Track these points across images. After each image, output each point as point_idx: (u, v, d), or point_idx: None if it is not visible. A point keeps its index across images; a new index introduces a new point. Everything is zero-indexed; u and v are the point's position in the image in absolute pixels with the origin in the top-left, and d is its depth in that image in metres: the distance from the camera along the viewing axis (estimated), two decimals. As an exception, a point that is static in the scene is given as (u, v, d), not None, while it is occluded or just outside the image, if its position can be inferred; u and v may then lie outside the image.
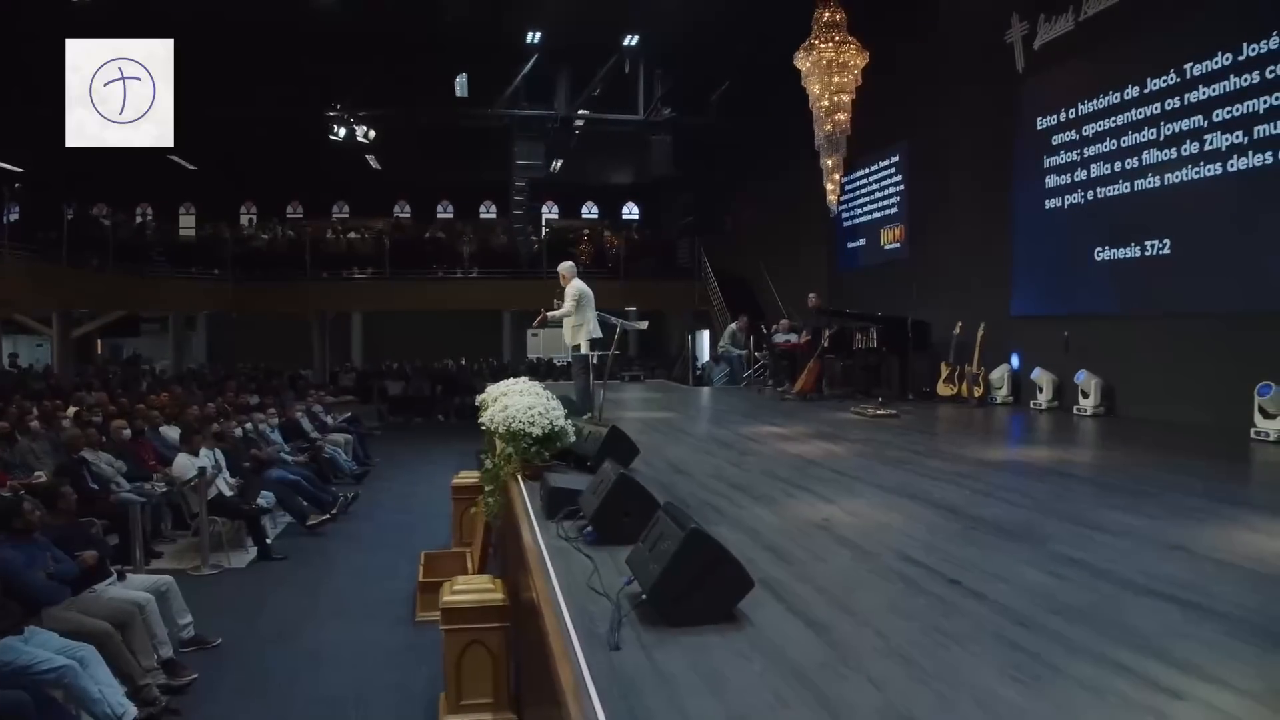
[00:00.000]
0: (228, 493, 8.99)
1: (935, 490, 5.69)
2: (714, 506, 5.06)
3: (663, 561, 3.09)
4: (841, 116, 11.93)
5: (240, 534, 9.09)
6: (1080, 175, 10.66)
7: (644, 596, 3.13)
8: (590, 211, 29.28)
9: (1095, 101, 10.39)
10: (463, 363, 24.97)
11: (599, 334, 8.81)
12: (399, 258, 22.89)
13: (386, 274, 22.71)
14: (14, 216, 17.20)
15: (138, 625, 5.81)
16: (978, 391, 11.59)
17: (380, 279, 22.78)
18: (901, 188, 14.63)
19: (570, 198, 28.47)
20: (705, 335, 24.32)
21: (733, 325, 16.32)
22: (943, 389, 12.06)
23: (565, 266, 9.32)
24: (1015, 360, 11.71)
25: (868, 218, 15.62)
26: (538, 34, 16.70)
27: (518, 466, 5.75)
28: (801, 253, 18.56)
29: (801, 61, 11.90)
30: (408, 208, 28.16)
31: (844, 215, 16.26)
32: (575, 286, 8.97)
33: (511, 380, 7.81)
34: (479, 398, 8.62)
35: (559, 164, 22.56)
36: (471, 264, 23.06)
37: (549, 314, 8.97)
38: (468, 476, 8.67)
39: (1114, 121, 10.13)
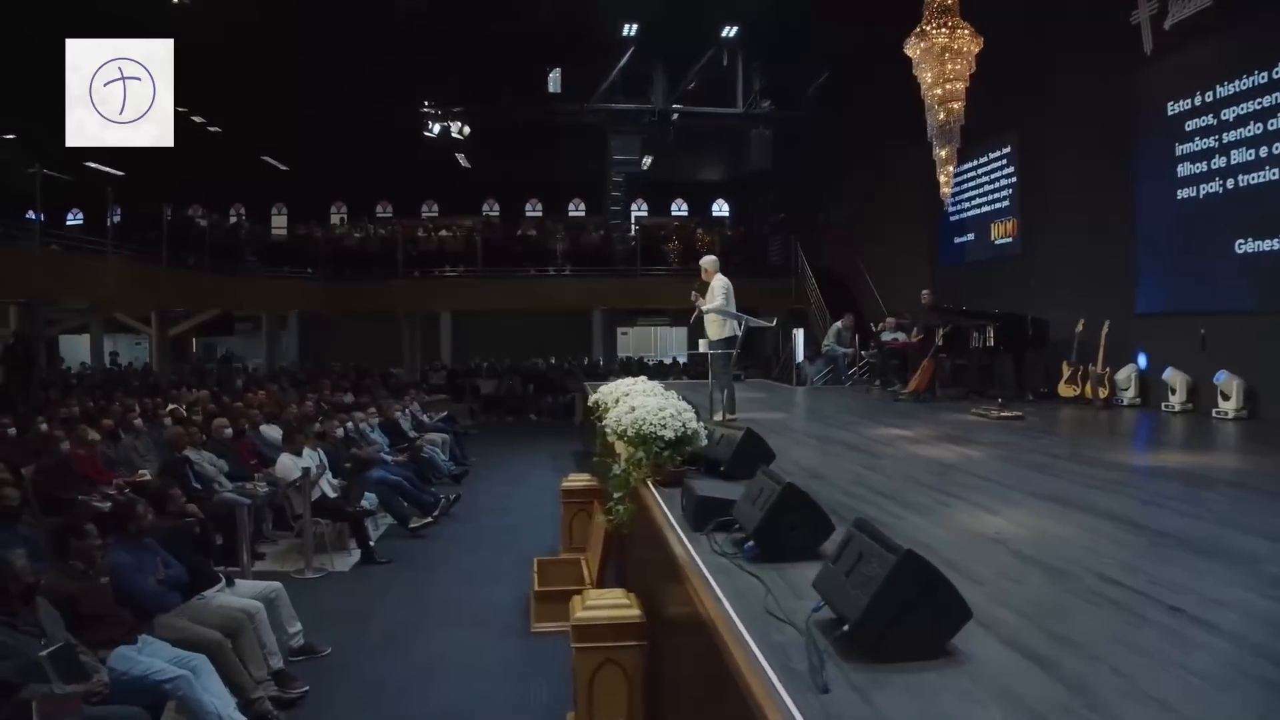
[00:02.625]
0: (331, 494, 8.82)
1: (1098, 499, 5.25)
2: (866, 516, 4.63)
3: (870, 588, 2.71)
4: (956, 105, 11.36)
5: (343, 536, 8.89)
6: (1218, 163, 9.96)
7: (846, 627, 2.76)
8: (680, 209, 28.93)
9: (1237, 83, 9.69)
10: (552, 361, 24.81)
11: (738, 332, 8.46)
12: (491, 256, 22.77)
13: (479, 272, 22.61)
14: (116, 219, 17.50)
15: (248, 634, 5.59)
16: (1103, 392, 10.95)
17: (472, 277, 22.68)
18: (1014, 180, 13.96)
19: (659, 195, 28.18)
20: (799, 334, 23.88)
21: (838, 324, 15.83)
22: (1065, 390, 11.43)
23: (710, 260, 8.95)
24: (1142, 360, 11.05)
25: (976, 211, 14.97)
26: (634, 27, 16.40)
27: (648, 471, 5.42)
28: (902, 248, 17.96)
29: (912, 49, 11.37)
30: (496, 206, 28.14)
31: (950, 209, 15.64)
32: (723, 282, 8.62)
33: (630, 380, 7.52)
34: (591, 398, 8.36)
35: (648, 161, 22.26)
36: (564, 262, 22.87)
37: (704, 307, 8.57)
38: (578, 480, 8.39)
39: (1260, 103, 9.42)
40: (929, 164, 16.24)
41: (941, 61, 11.28)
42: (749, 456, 5.72)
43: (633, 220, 27.45)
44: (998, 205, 14.38)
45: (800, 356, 23.19)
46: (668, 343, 30.37)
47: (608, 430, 6.12)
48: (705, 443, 5.73)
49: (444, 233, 23.68)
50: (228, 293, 20.72)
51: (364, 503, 9.22)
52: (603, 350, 26.48)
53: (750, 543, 3.81)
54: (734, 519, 4.17)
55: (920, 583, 2.71)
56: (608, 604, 4.78)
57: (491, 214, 27.94)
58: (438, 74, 18.11)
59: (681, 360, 26.60)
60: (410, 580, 8.06)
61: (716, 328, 8.58)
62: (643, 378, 7.62)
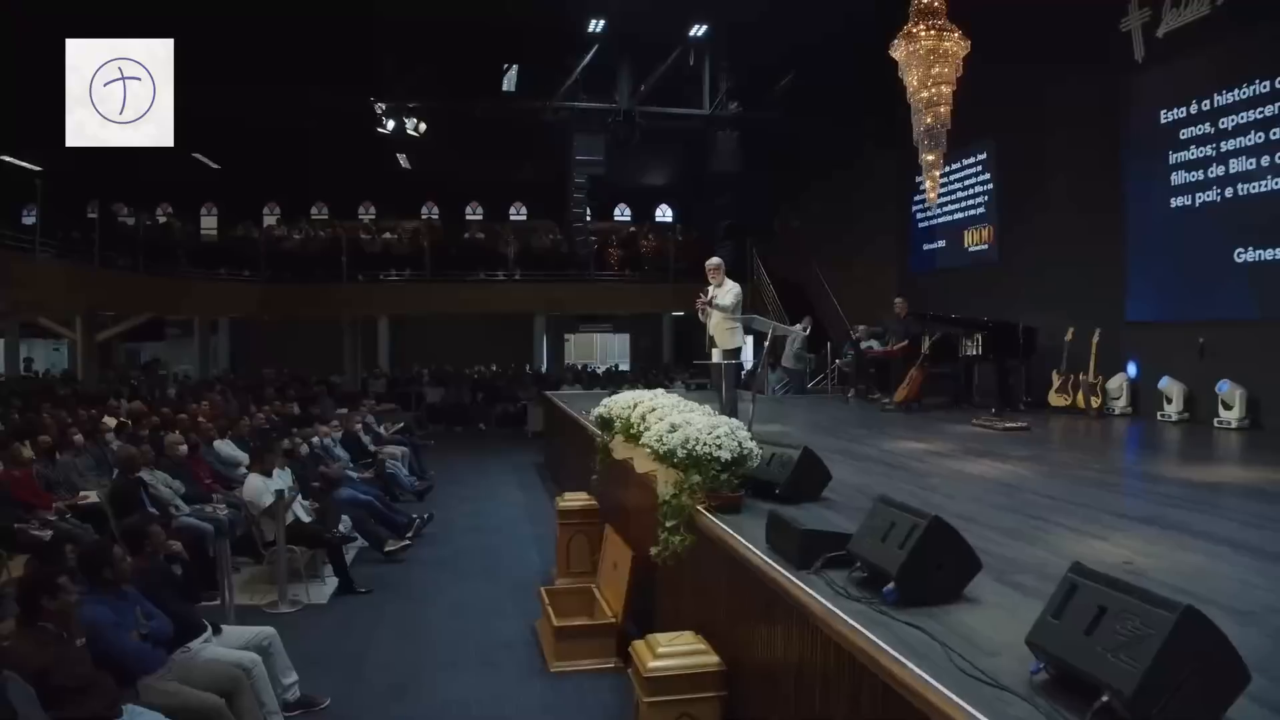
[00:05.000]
0: (306, 518, 8.03)
1: (1195, 521, 4.90)
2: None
3: (1143, 652, 2.22)
4: (943, 109, 11.08)
5: (315, 563, 8.08)
6: (1216, 171, 9.84)
7: (1105, 698, 2.26)
8: (623, 214, 28.34)
9: (1236, 91, 9.59)
10: (494, 368, 24.03)
11: (742, 342, 8.00)
12: (438, 259, 22.02)
13: (427, 275, 21.80)
14: (33, 217, 16.26)
15: (246, 693, 4.76)
16: (1095, 402, 10.75)
17: (419, 281, 21.87)
18: (990, 186, 13.77)
19: (601, 199, 27.50)
20: (749, 340, 23.59)
21: (797, 326, 15.36)
22: (1055, 399, 11.21)
23: (718, 262, 8.41)
24: (1132, 368, 10.89)
25: (948, 219, 14.73)
26: (601, 22, 15.78)
27: (702, 497, 4.88)
28: (864, 255, 17.74)
29: (898, 51, 11.05)
30: (436, 209, 27.21)
31: (918, 216, 15.44)
32: (734, 287, 8.12)
33: (647, 392, 6.97)
34: (594, 411, 7.79)
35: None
36: (515, 266, 22.19)
37: (715, 303, 8.03)
38: (575, 499, 7.78)
39: (1261, 112, 9.32)
40: (895, 169, 16.11)
41: (928, 64, 10.99)
42: (807, 478, 5.27)
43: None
44: (972, 212, 14.18)
45: (752, 364, 22.84)
46: (609, 350, 29.76)
47: (648, 450, 5.53)
48: (756, 463, 5.22)
49: (388, 235, 22.76)
50: (164, 295, 19.43)
51: (341, 527, 8.44)
52: (546, 357, 25.84)
53: (891, 585, 3.30)
54: (852, 556, 3.66)
55: (1203, 645, 2.24)
56: (682, 651, 4.23)
57: (431, 216, 27.01)
58: (389, 69, 17.23)
59: (624, 368, 26.09)
60: (398, 613, 7.32)
61: (728, 336, 8.09)
62: (660, 390, 7.06)
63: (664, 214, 28.63)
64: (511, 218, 27.41)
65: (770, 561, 3.89)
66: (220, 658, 4.95)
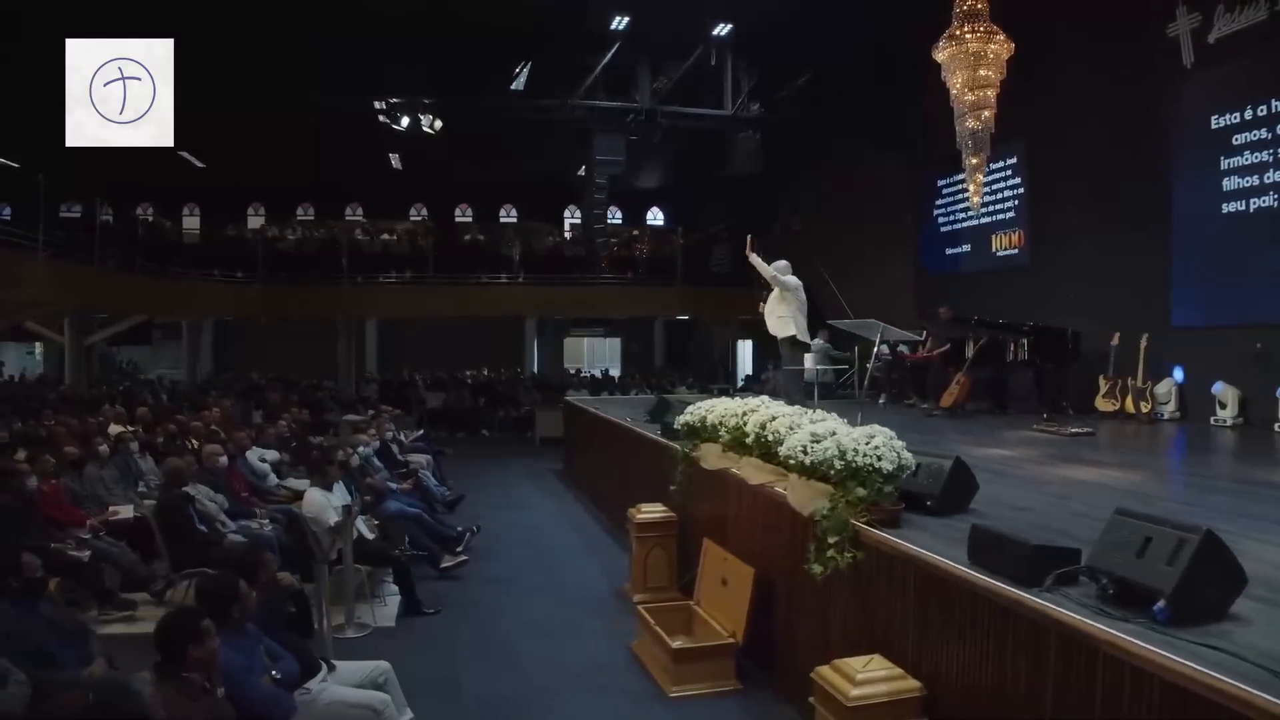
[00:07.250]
0: (369, 535, 7.59)
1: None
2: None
3: None
4: (987, 113, 10.95)
5: (374, 582, 7.62)
6: (1271, 176, 9.79)
7: None
8: (613, 216, 28.02)
9: (1297, 97, 9.53)
10: (485, 372, 23.57)
11: (808, 338, 7.87)
12: (441, 261, 21.60)
13: (429, 277, 21.36)
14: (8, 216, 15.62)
15: None
16: (1145, 406, 10.67)
17: (421, 283, 21.42)
18: (1021, 190, 13.66)
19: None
20: (748, 345, 23.47)
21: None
22: (1102, 404, 11.11)
23: (784, 265, 8.46)
24: (1179, 373, 10.82)
25: (974, 222, 14.59)
26: (624, 19, 15.44)
27: (862, 511, 4.61)
28: (869, 257, 17.55)
29: (941, 53, 10.91)
30: (425, 210, 26.69)
31: (940, 220, 15.30)
32: (792, 278, 8.08)
33: (753, 399, 6.67)
34: (679, 419, 7.49)
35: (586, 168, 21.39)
36: (519, 268, 21.84)
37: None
38: (652, 511, 7.45)
39: (1321, 117, 9.28)
40: (901, 171, 15.98)
41: (974, 67, 10.85)
42: (958, 488, 5.02)
43: (566, 227, 26.61)
44: (1000, 216, 14.05)
45: (749, 369, 22.71)
46: (599, 354, 29.33)
47: (791, 462, 5.25)
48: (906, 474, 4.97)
49: (386, 236, 22.22)
50: (159, 296, 18.77)
51: (406, 545, 7.99)
52: (538, 360, 25.47)
53: (1161, 604, 3.06)
54: (1094, 572, 3.41)
55: None
56: (880, 676, 3.95)
57: (417, 219, 26.48)
58: (393, 66, 16.75)
59: (615, 373, 25.79)
60: (475, 635, 6.87)
61: (776, 324, 8.28)
62: (765, 398, 6.75)
63: (655, 217, 28.39)
64: (501, 219, 27.01)
65: (1002, 581, 3.62)
66: (343, 699, 4.52)
